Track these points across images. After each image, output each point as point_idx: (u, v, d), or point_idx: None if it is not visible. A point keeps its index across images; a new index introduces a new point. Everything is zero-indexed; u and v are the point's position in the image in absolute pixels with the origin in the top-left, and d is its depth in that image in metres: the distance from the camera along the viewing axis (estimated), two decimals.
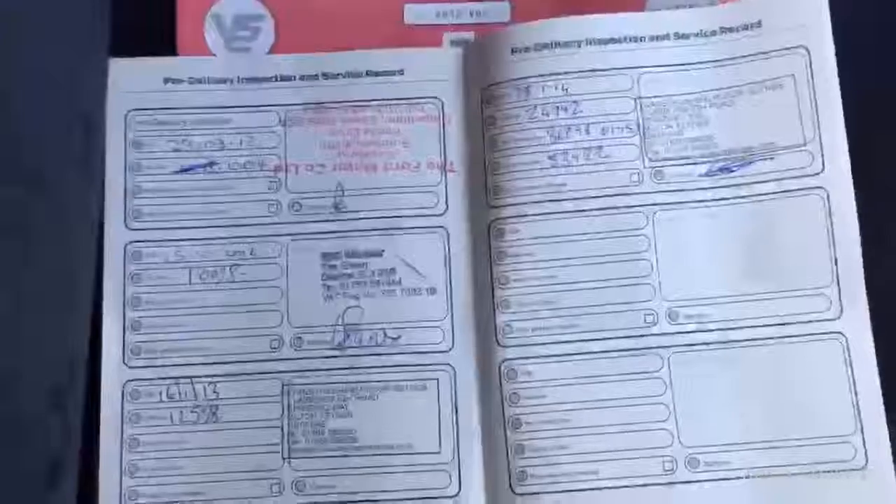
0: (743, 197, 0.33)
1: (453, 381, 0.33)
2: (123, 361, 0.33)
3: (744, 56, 0.33)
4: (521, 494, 0.31)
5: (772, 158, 0.33)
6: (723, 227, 0.33)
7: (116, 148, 0.34)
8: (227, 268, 0.34)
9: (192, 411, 0.32)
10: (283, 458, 0.32)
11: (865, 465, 0.31)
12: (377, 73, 0.35)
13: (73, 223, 0.32)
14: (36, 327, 0.29)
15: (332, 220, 0.34)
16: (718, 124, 0.33)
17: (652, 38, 0.34)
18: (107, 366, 0.33)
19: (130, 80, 0.35)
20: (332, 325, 0.33)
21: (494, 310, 0.33)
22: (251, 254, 0.34)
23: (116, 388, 0.33)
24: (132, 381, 0.33)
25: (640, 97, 0.33)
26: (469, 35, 0.36)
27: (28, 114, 0.30)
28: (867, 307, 0.32)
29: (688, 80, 0.34)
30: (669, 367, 0.32)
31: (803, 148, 0.32)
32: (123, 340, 0.33)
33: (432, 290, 0.33)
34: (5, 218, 0.29)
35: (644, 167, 0.33)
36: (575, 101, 0.33)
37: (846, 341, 0.31)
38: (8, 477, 0.28)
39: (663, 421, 0.31)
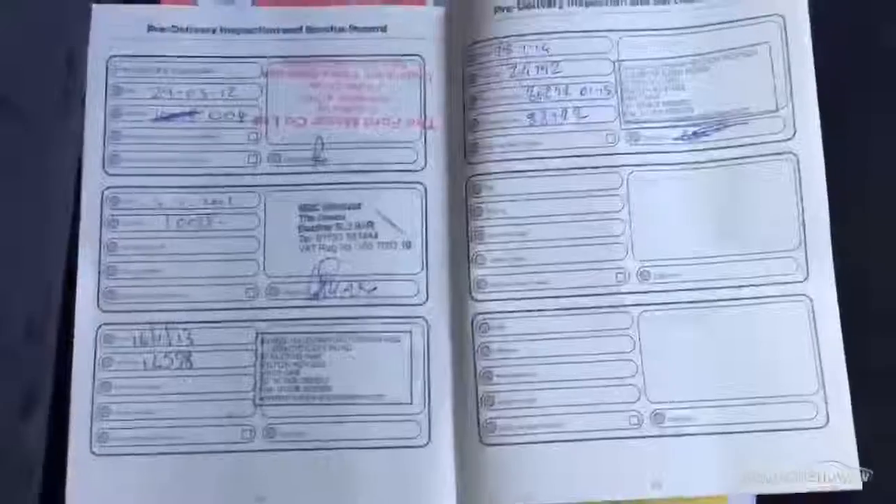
0: (716, 161, 0.33)
1: (426, 333, 0.33)
2: (98, 306, 0.33)
3: (720, 23, 0.34)
4: (490, 445, 0.32)
5: (745, 123, 0.33)
6: (695, 190, 0.33)
7: (97, 93, 0.34)
8: (205, 216, 0.34)
9: (165, 357, 0.33)
10: (255, 405, 0.32)
11: (826, 423, 0.31)
12: (360, 29, 0.35)
13: (51, 158, 0.32)
14: (11, 255, 0.29)
15: (311, 173, 0.34)
16: (694, 89, 0.34)
17: (632, 3, 0.34)
18: (81, 309, 0.33)
19: (113, 26, 0.35)
20: (307, 276, 0.33)
21: (469, 264, 0.33)
22: (229, 203, 0.34)
23: (90, 331, 0.33)
24: (106, 325, 0.33)
25: (618, 60, 0.34)
26: None
27: (9, 47, 0.30)
28: (833, 271, 0.32)
29: (665, 45, 0.34)
30: (638, 326, 0.32)
31: (776, 114, 0.33)
32: (98, 285, 0.33)
33: (408, 244, 0.34)
34: None
35: (620, 129, 0.34)
36: (555, 62, 0.34)
37: (812, 303, 0.32)
38: None
39: (631, 377, 0.32)
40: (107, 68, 0.34)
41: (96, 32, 0.34)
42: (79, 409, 0.32)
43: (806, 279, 0.32)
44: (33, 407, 0.30)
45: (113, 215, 0.33)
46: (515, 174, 0.33)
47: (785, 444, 0.31)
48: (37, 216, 0.31)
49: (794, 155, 0.33)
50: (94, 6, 0.35)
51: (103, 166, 0.34)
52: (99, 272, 0.33)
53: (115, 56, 0.34)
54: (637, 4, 0.34)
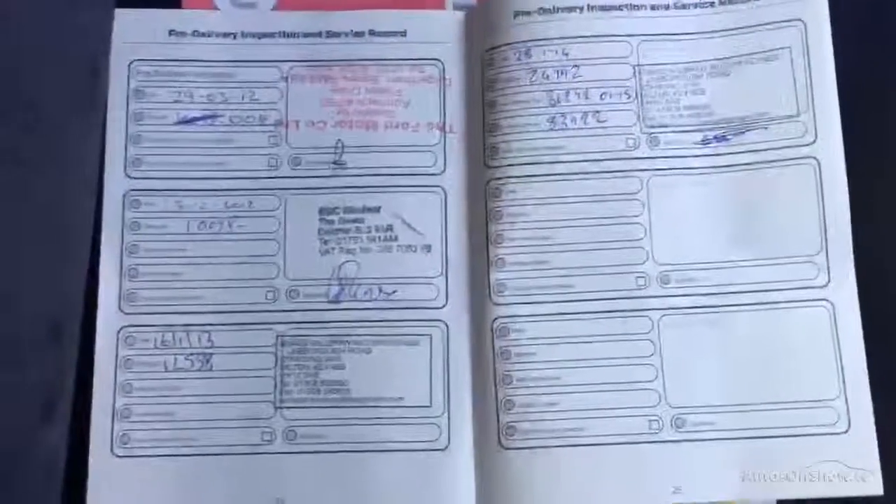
0: (736, 165, 0.33)
1: (446, 337, 0.33)
2: (119, 307, 0.33)
3: (742, 28, 0.34)
4: (509, 449, 0.32)
5: (766, 128, 0.33)
6: (716, 195, 0.33)
7: (119, 97, 0.34)
8: (226, 219, 0.34)
9: (186, 359, 0.33)
10: (276, 408, 0.32)
11: (848, 429, 0.31)
12: (380, 34, 0.35)
13: (74, 161, 0.32)
14: (34, 258, 0.30)
15: (331, 176, 0.34)
16: (714, 94, 0.34)
17: (652, 7, 0.34)
18: (102, 311, 0.33)
19: (135, 30, 0.35)
20: (327, 279, 0.33)
21: (489, 268, 0.33)
22: (249, 206, 0.34)
23: (111, 333, 0.33)
24: (127, 326, 0.33)
25: (638, 64, 0.34)
26: None
27: (32, 52, 0.30)
28: (854, 276, 0.32)
29: (686, 49, 0.34)
30: (659, 330, 0.32)
31: (797, 119, 0.33)
32: (120, 287, 0.33)
33: (428, 248, 0.34)
34: (6, 151, 0.29)
35: (640, 133, 0.34)
36: (575, 66, 0.34)
37: (833, 308, 0.32)
38: (4, 405, 0.29)
39: (651, 381, 0.32)
40: (129, 72, 0.35)
41: (118, 37, 0.35)
42: (100, 410, 0.32)
43: (827, 284, 0.32)
44: (55, 409, 0.30)
45: (134, 218, 0.34)
46: (535, 178, 0.33)
47: (806, 450, 0.31)
48: (59, 219, 0.32)
49: (816, 159, 0.33)
50: (117, 11, 0.35)
51: (125, 169, 0.34)
52: (120, 274, 0.33)
53: (136, 60, 0.35)
54: (657, 9, 0.34)
